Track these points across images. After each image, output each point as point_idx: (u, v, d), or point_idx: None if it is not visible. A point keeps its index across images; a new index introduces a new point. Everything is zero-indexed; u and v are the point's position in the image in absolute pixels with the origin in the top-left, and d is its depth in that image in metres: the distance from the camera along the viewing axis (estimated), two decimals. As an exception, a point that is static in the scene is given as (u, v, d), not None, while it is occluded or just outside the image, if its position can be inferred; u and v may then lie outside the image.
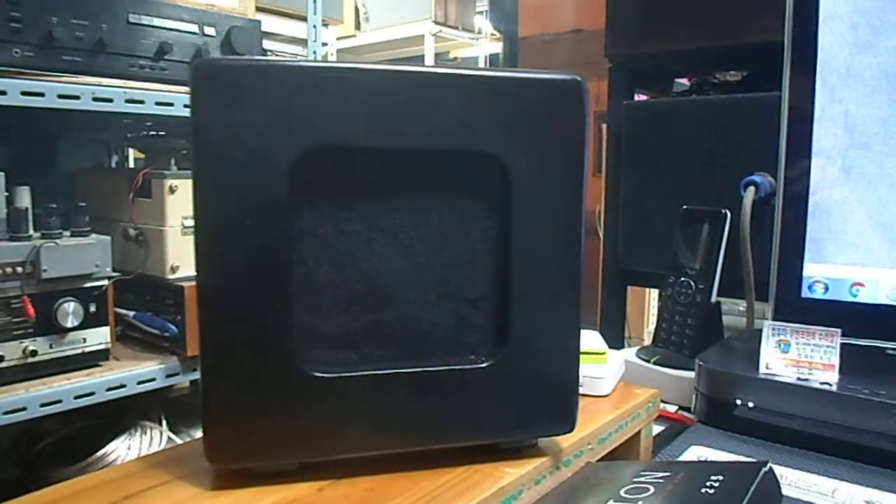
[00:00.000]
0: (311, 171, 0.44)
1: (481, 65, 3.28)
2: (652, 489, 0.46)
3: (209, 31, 1.16)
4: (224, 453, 0.45)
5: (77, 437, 1.09)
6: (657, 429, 0.72)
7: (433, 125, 0.45)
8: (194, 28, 1.14)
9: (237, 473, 0.46)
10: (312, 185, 0.44)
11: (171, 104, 1.08)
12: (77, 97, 0.99)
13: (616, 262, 1.05)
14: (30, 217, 0.98)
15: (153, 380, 1.06)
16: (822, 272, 0.71)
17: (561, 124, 0.48)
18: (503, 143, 0.47)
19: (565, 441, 0.52)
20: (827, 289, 0.71)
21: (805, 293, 0.72)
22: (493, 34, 3.14)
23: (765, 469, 0.46)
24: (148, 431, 1.11)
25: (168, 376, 1.07)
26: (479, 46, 3.24)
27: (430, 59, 2.96)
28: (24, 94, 0.93)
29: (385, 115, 0.44)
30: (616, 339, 1.09)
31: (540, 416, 0.50)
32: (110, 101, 1.02)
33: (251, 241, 0.43)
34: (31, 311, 0.94)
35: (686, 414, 0.76)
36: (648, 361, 0.85)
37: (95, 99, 1.01)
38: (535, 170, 0.47)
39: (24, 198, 1.00)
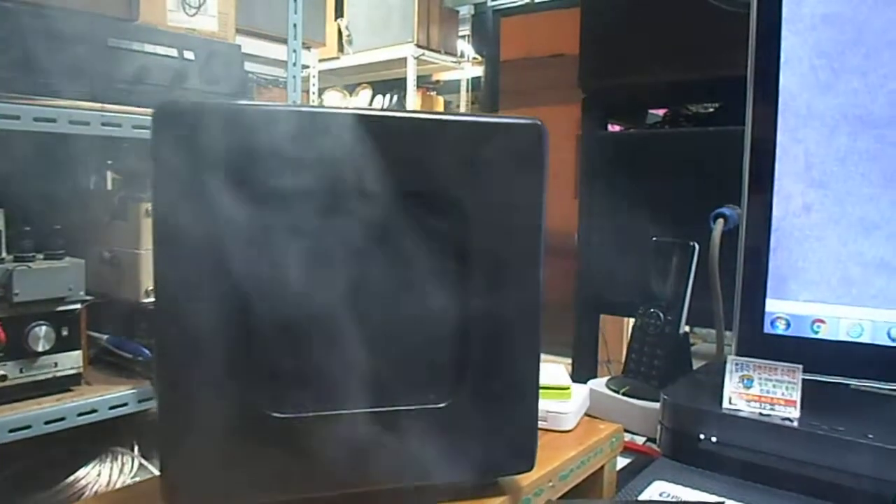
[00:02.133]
0: (271, 212, 0.44)
1: (463, 88, 3.30)
2: (607, 530, 0.47)
3: (188, 55, 1.17)
4: (181, 494, 0.45)
5: (47, 463, 1.08)
6: (623, 461, 0.73)
7: (393, 168, 0.46)
8: (173, 52, 1.15)
9: (194, 513, 0.46)
10: (272, 225, 0.45)
11: (148, 128, 1.08)
12: (54, 120, 0.99)
13: (589, 291, 1.06)
14: (3, 240, 0.98)
15: (126, 404, 1.05)
16: (784, 308, 0.72)
17: (521, 168, 0.49)
18: (463, 186, 0.48)
19: (525, 479, 0.53)
20: (789, 325, 0.72)
21: (767, 329, 0.73)
22: (475, 58, 3.17)
23: (718, 510, 0.47)
24: (119, 457, 1.10)
25: (141, 401, 1.06)
26: (461, 70, 3.26)
27: (412, 83, 2.98)
28: (-1, 116, 0.93)
29: (345, 158, 0.45)
30: (589, 367, 1.10)
31: (499, 456, 0.50)
32: (87, 124, 1.02)
33: (208, 282, 0.43)
34: (2, 334, 0.93)
35: (653, 446, 0.77)
36: (618, 392, 0.86)
37: (72, 122, 1.01)
38: (495, 212, 0.48)
39: (-2, 220, 0.99)
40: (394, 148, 0.46)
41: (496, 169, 0.48)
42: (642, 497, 0.61)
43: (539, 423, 0.53)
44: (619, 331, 2.01)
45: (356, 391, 0.47)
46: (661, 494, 0.63)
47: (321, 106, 0.46)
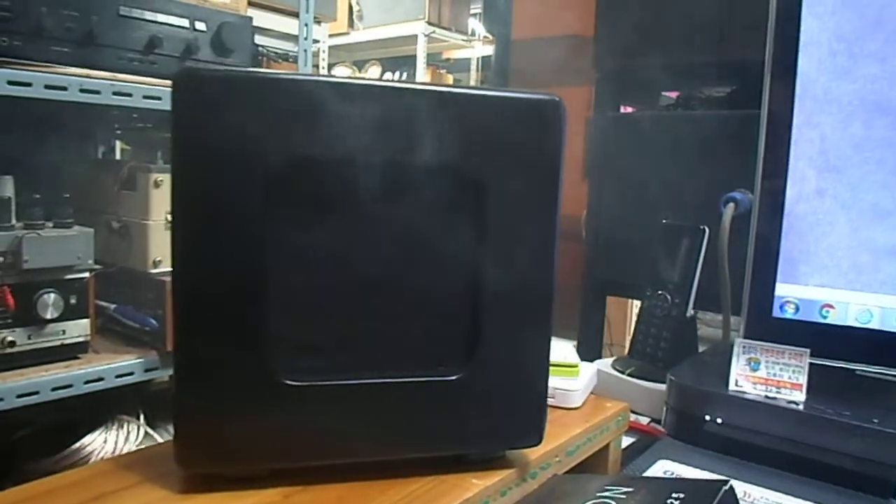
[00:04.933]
0: (289, 180, 0.44)
1: (473, 67, 3.29)
2: (614, 504, 0.47)
3: (200, 26, 1.16)
4: (194, 457, 0.46)
5: (54, 429, 1.09)
6: (628, 440, 0.73)
7: (411, 140, 0.46)
8: (185, 23, 1.14)
9: (206, 477, 0.46)
10: (290, 194, 0.45)
11: (158, 98, 1.07)
12: (64, 88, 0.98)
13: (596, 272, 1.06)
14: (13, 207, 0.98)
15: (132, 374, 1.05)
16: (794, 292, 0.72)
17: (538, 143, 0.49)
18: (480, 160, 0.48)
19: (533, 453, 0.53)
20: (798, 309, 0.72)
21: (776, 312, 0.73)
22: (486, 36, 3.15)
23: (725, 488, 0.47)
24: (125, 426, 1.11)
25: (147, 370, 1.07)
26: (472, 48, 3.25)
27: (422, 60, 2.96)
28: (10, 83, 0.93)
29: (364, 129, 0.45)
30: (594, 348, 1.10)
31: (508, 429, 0.51)
32: (98, 93, 1.02)
33: (227, 248, 0.44)
34: (11, 301, 0.93)
35: (657, 426, 0.77)
36: (623, 373, 0.86)
37: (83, 90, 1.00)
38: (511, 187, 0.48)
39: (8, 187, 0.99)
40: (413, 120, 0.46)
41: (514, 143, 0.48)
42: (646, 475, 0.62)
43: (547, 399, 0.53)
44: (623, 316, 2.02)
45: (369, 361, 0.48)
46: (664, 473, 0.64)
47: (340, 76, 0.46)
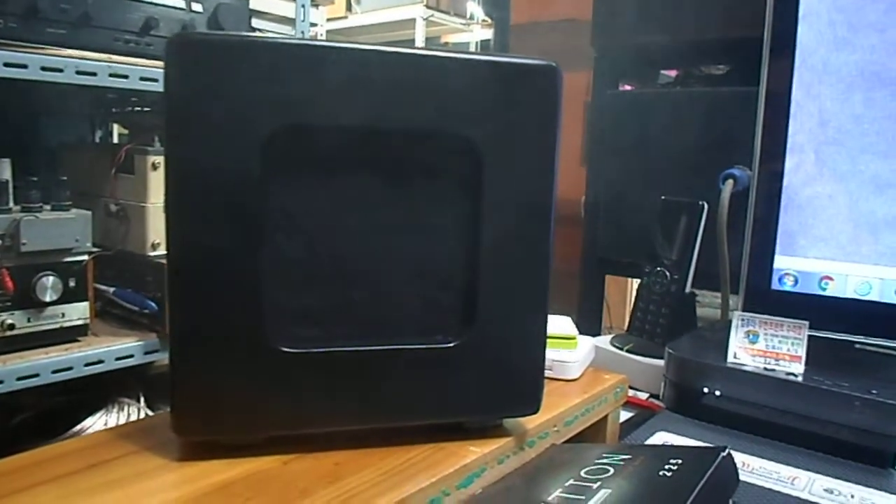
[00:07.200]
0: (285, 148, 0.44)
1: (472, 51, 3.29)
2: (612, 470, 0.47)
3: (196, 7, 1.15)
4: (190, 425, 0.46)
5: (54, 412, 1.09)
6: (626, 415, 0.73)
7: (407, 106, 0.46)
8: (181, 4, 1.13)
9: (203, 445, 0.46)
10: (285, 162, 0.44)
11: (155, 80, 1.07)
12: (61, 70, 0.98)
13: (595, 251, 1.05)
14: (10, 190, 0.98)
15: (132, 356, 1.05)
16: (793, 265, 0.72)
17: (535, 110, 0.48)
18: (476, 127, 0.47)
19: (530, 422, 0.53)
20: (797, 282, 0.72)
21: (775, 285, 0.73)
22: (484, 20, 3.13)
23: (723, 454, 0.47)
24: (125, 408, 1.11)
25: (147, 353, 1.07)
26: (470, 32, 3.24)
27: (420, 44, 2.95)
28: (6, 65, 0.92)
29: (359, 95, 0.45)
30: (593, 327, 1.10)
31: (505, 398, 0.51)
32: (94, 74, 1.01)
33: (222, 216, 0.43)
34: (10, 284, 0.93)
35: (656, 401, 0.77)
36: (622, 349, 0.86)
37: (79, 72, 1.00)
38: (508, 154, 0.48)
39: (5, 170, 0.99)
40: (410, 85, 0.45)
41: (511, 109, 0.48)
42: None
43: (545, 371, 0.53)
44: (622, 299, 2.02)
45: (366, 328, 0.47)
46: (663, 443, 0.64)
47: (337, 41, 0.46)
